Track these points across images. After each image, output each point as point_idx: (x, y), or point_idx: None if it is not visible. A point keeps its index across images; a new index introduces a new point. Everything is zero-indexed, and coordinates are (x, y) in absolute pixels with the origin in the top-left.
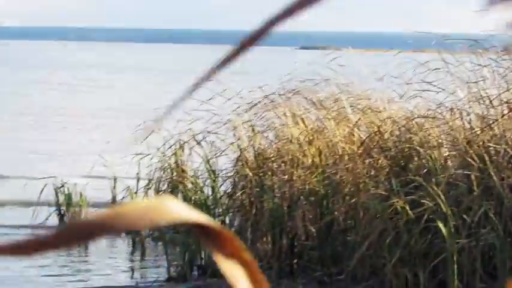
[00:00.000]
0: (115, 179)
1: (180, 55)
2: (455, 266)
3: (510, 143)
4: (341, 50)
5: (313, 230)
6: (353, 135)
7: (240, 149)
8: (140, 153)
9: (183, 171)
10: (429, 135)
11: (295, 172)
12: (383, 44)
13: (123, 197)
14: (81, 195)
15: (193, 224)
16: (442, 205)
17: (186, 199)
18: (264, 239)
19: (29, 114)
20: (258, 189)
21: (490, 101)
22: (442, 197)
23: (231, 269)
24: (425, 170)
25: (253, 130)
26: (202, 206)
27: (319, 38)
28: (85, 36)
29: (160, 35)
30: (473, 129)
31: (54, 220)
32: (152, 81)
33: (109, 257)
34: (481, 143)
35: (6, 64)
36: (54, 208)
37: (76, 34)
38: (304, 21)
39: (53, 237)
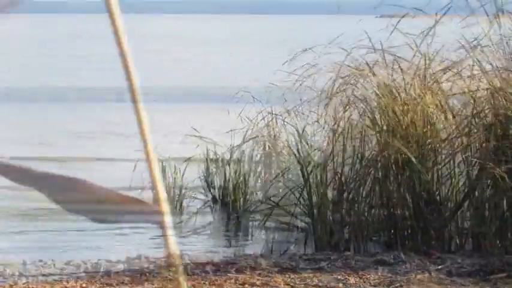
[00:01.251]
0: (207, 151)
1: (249, 26)
2: None
3: None
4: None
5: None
6: (446, 103)
7: (334, 119)
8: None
9: (275, 141)
10: None
11: (390, 142)
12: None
13: (216, 168)
14: (175, 168)
15: None
16: None
17: (280, 168)
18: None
19: (107, 91)
20: None
21: None
22: None
23: None
24: None
25: (347, 100)
26: (297, 176)
27: (396, 5)
28: (154, 8)
29: (229, 6)
30: None
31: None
32: (225, 53)
33: (202, 228)
34: None
35: (77, 37)
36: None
37: (145, 6)
38: None
39: None
